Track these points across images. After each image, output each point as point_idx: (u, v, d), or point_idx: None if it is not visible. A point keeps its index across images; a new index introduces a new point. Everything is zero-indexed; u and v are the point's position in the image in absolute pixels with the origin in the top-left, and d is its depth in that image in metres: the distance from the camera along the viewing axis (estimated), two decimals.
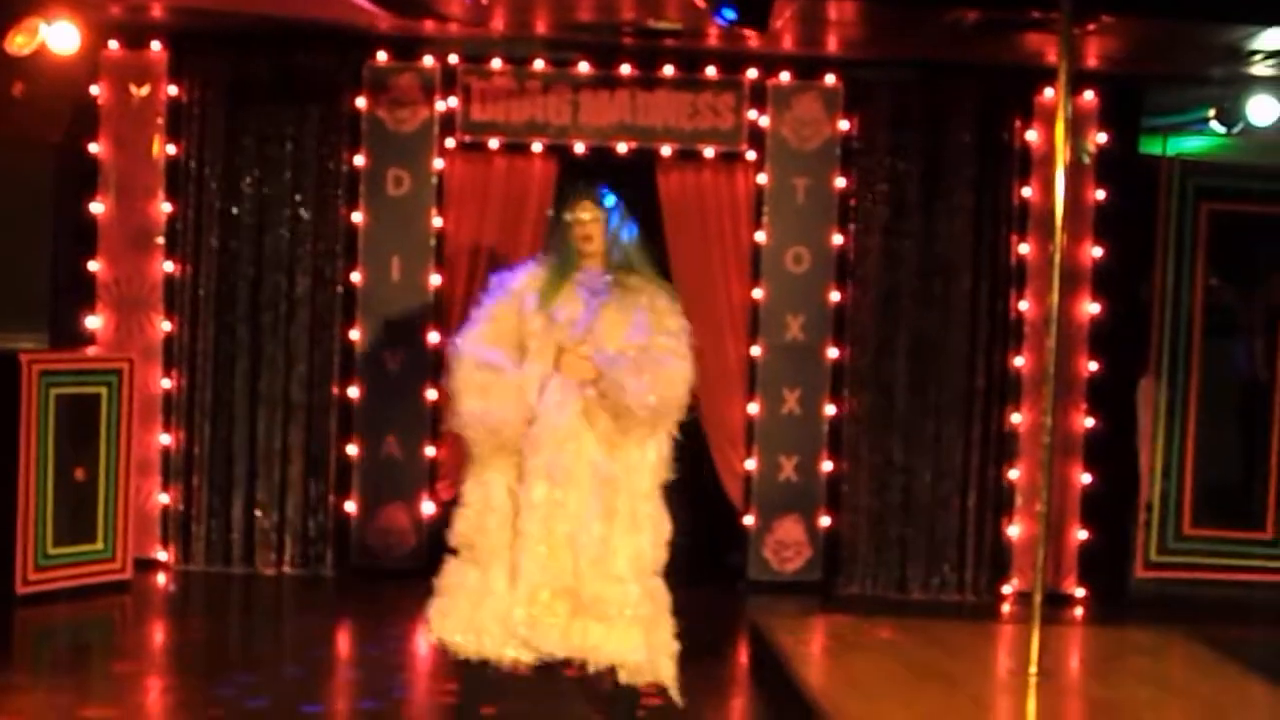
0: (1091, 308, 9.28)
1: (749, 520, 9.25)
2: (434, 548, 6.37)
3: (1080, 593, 9.28)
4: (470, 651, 5.83)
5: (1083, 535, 9.30)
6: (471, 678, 5.99)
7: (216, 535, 9.14)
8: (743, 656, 7.81)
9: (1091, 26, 7.65)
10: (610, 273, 5.86)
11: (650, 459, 5.79)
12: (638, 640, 5.77)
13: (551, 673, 5.97)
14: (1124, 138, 9.39)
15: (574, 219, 5.87)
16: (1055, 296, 6.80)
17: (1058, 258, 6.81)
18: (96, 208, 9.05)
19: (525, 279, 5.91)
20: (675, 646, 5.87)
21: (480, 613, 5.77)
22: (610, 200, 5.93)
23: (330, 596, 8.77)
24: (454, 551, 5.87)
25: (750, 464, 9.26)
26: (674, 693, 5.89)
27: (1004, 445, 9.27)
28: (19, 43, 7.93)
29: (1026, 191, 9.24)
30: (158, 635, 8.10)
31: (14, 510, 8.02)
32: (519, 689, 6.41)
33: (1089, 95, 9.17)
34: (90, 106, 9.01)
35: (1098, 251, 9.27)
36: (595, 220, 5.86)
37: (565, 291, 5.84)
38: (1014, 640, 7.47)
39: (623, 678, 5.80)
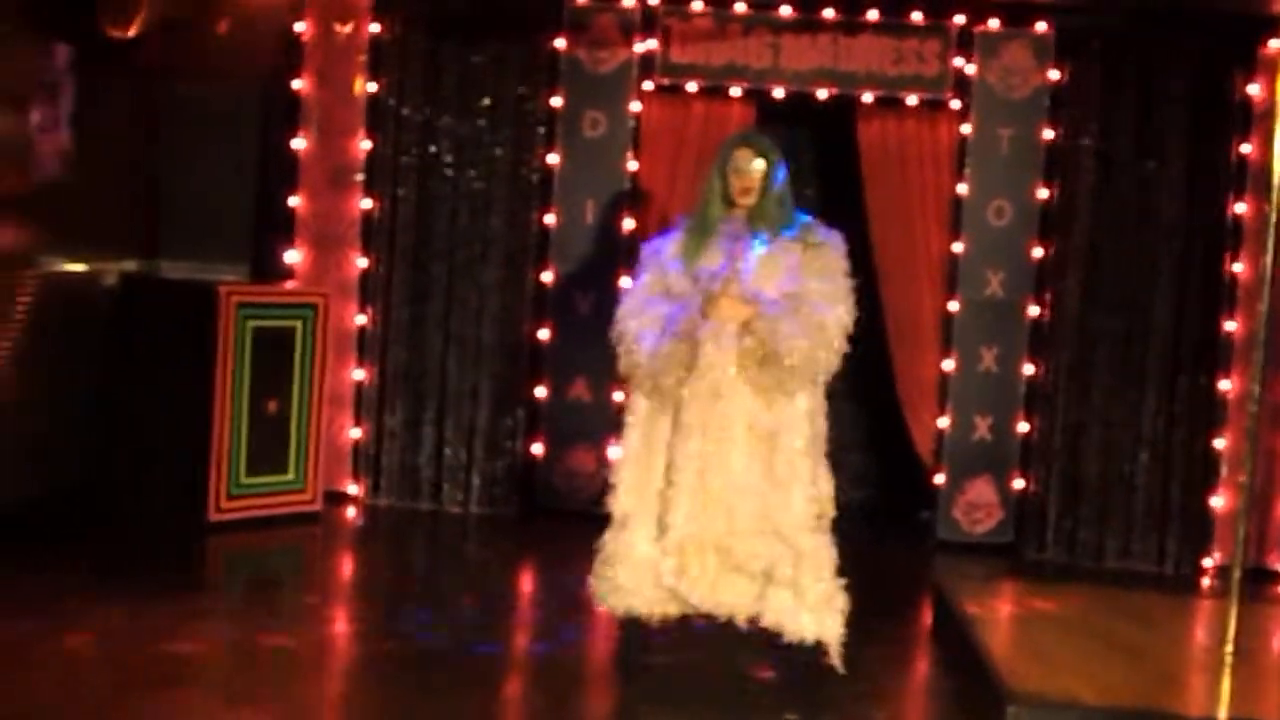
0: None
1: (940, 479, 9.04)
2: None
3: None
4: (620, 612, 5.84)
5: None
6: (630, 628, 5.98)
7: (405, 471, 9.25)
8: (926, 618, 7.64)
9: None
10: (766, 230, 5.74)
11: (802, 409, 5.67)
12: (787, 599, 5.67)
13: (723, 626, 5.91)
14: None
15: (734, 169, 5.76)
16: (1269, 258, 6.48)
17: (1274, 218, 6.47)
18: (298, 144, 9.16)
19: (670, 246, 5.84)
20: (838, 607, 5.74)
21: (632, 572, 5.76)
22: (775, 154, 5.79)
23: (514, 537, 8.81)
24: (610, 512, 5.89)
25: (943, 422, 9.04)
26: (834, 654, 5.77)
27: (1211, 412, 8.90)
28: None
29: (1245, 148, 8.82)
30: (343, 567, 8.21)
31: (208, 439, 8.20)
32: (690, 641, 6.35)
33: None
34: (294, 43, 9.12)
35: None
36: (758, 172, 5.74)
37: (707, 249, 5.75)
38: (1211, 616, 7.17)
39: (771, 627, 5.74)
